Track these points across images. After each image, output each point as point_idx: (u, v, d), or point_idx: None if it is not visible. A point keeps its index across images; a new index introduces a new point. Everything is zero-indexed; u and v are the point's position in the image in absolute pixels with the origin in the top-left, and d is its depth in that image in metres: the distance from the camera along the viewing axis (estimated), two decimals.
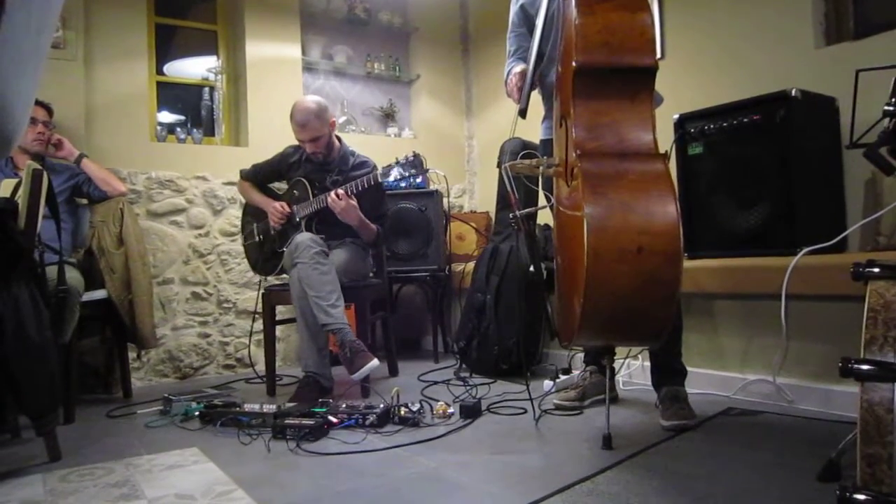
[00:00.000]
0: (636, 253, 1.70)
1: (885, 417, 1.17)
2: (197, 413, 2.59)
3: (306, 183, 3.20)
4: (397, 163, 2.87)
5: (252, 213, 3.50)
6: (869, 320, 1.26)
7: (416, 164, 2.84)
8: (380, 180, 2.92)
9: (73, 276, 2.73)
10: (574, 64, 1.85)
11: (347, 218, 3.00)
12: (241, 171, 3.47)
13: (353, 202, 2.97)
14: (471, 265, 3.82)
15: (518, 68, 2.51)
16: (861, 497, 1.16)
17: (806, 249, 2.32)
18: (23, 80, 0.78)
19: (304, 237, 2.87)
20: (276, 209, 3.23)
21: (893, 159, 1.55)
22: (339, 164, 3.23)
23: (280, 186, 3.46)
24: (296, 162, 3.31)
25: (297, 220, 3.19)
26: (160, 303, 3.62)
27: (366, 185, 2.95)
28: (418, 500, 1.69)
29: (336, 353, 2.86)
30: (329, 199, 2.96)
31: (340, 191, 2.95)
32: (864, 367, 1.21)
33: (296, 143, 3.28)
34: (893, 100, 1.46)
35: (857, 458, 1.20)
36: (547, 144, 2.55)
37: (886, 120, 1.49)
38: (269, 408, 2.46)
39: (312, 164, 3.24)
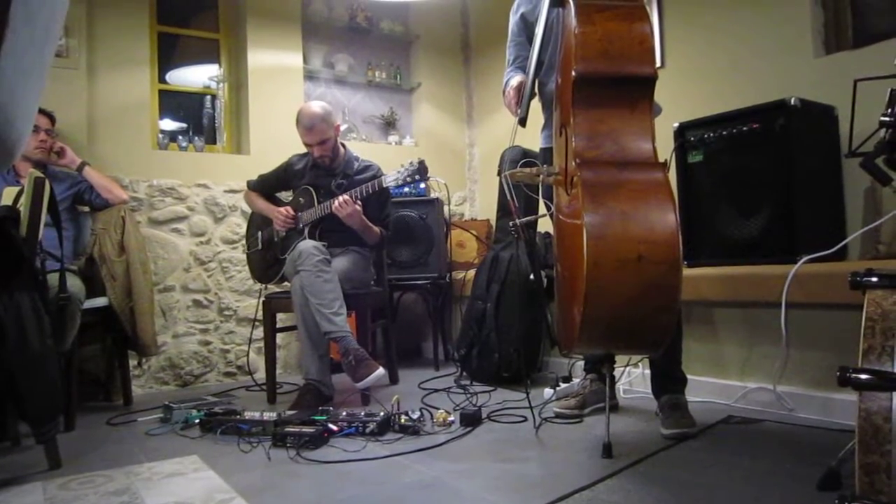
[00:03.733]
0: (636, 261, 1.70)
1: (883, 427, 1.17)
2: (197, 421, 2.59)
3: (312, 190, 3.22)
4: (402, 168, 2.90)
5: (257, 223, 3.53)
6: (867, 329, 1.26)
7: (420, 170, 2.86)
8: (385, 185, 2.94)
9: (75, 283, 2.73)
10: (574, 73, 1.86)
11: (351, 222, 3.02)
12: (248, 182, 3.50)
13: (358, 207, 2.99)
14: (471, 273, 3.83)
15: (515, 81, 2.52)
16: None
17: (806, 258, 2.32)
18: (27, 91, 0.79)
19: (307, 245, 2.88)
20: (280, 213, 3.26)
21: (890, 169, 1.56)
22: (343, 168, 3.26)
23: (286, 197, 3.48)
24: (301, 169, 3.33)
25: (301, 226, 3.21)
26: (161, 310, 3.63)
27: (370, 191, 2.97)
28: None
29: (337, 361, 2.86)
30: (335, 205, 2.97)
31: (346, 196, 2.97)
32: (862, 376, 1.21)
33: (300, 152, 3.32)
34: (889, 110, 1.47)
35: (855, 467, 1.20)
36: (546, 153, 2.56)
37: (883, 130, 1.50)
38: (270, 416, 2.46)
39: (318, 169, 3.27)
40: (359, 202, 2.99)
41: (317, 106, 3.17)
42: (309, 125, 3.11)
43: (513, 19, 2.68)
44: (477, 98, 4.94)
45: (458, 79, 4.94)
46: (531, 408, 2.46)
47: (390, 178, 2.92)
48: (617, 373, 2.79)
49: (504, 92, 2.58)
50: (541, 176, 2.14)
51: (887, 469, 1.15)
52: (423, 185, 4.11)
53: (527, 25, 2.60)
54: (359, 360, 2.73)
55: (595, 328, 1.77)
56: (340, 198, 2.97)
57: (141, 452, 2.30)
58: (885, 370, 1.21)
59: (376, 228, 3.17)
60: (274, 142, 3.85)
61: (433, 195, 4.16)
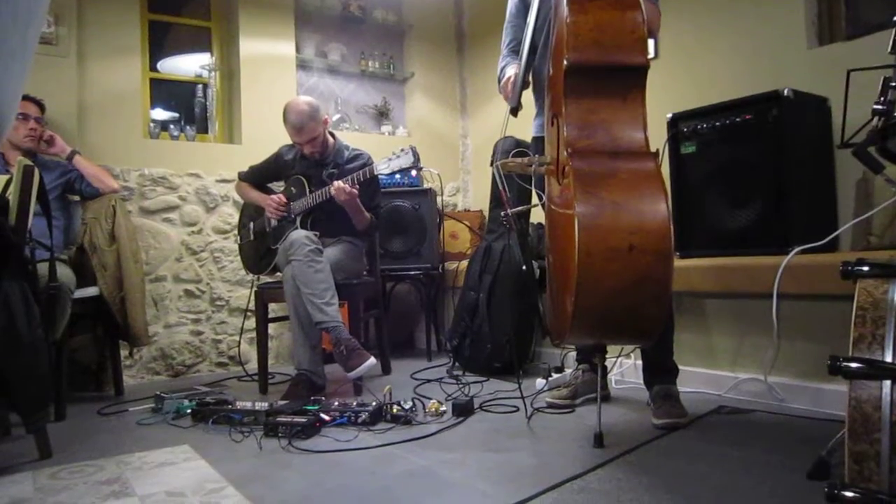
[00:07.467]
0: (627, 252, 1.70)
1: (872, 415, 1.18)
2: (189, 411, 2.59)
3: (303, 180, 3.21)
4: (393, 155, 2.89)
5: (249, 214, 3.52)
6: (857, 318, 1.27)
7: (411, 156, 2.85)
8: (375, 173, 2.93)
9: (65, 272, 2.72)
10: (565, 62, 1.85)
11: (347, 204, 3.01)
12: (239, 174, 3.49)
13: (355, 190, 2.99)
14: (464, 263, 3.83)
15: (510, 71, 2.50)
16: (849, 494, 1.16)
17: (797, 249, 2.32)
18: (10, 74, 0.78)
19: (298, 234, 2.87)
20: (273, 200, 3.26)
21: (882, 158, 1.56)
22: (334, 158, 3.25)
23: (277, 187, 3.47)
24: (291, 160, 3.32)
25: (293, 216, 3.20)
26: (153, 300, 3.62)
27: (362, 179, 2.96)
28: (410, 498, 1.69)
29: (329, 351, 2.86)
30: (333, 188, 2.96)
31: (342, 184, 2.95)
32: (853, 365, 1.21)
33: (289, 141, 3.29)
34: (882, 98, 1.47)
35: (845, 456, 1.21)
36: (539, 142, 2.54)
37: (875, 119, 1.50)
38: (261, 405, 2.46)
39: (308, 161, 3.25)
40: (356, 186, 2.98)
41: (303, 103, 3.11)
42: (298, 125, 3.08)
43: (511, 0, 2.66)
44: (470, 88, 4.93)
45: (452, 69, 4.93)
46: (523, 398, 2.47)
47: (381, 166, 2.92)
48: (609, 363, 2.80)
49: (499, 79, 2.57)
50: (532, 166, 2.13)
51: (876, 457, 1.16)
52: (414, 174, 4.10)
53: (525, 7, 2.57)
54: (350, 350, 2.73)
55: (586, 318, 1.77)
56: (338, 183, 2.95)
57: (132, 442, 2.29)
58: (876, 359, 1.21)
59: (367, 213, 3.16)
60: (266, 131, 3.83)
61: (426, 185, 4.15)
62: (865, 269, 1.32)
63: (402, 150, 2.88)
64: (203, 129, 4.05)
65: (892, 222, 2.27)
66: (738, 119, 2.56)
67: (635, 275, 1.71)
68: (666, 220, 1.72)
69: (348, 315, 3.12)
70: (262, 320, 3.23)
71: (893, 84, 1.47)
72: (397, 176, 4.01)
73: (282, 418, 2.28)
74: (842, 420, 1.25)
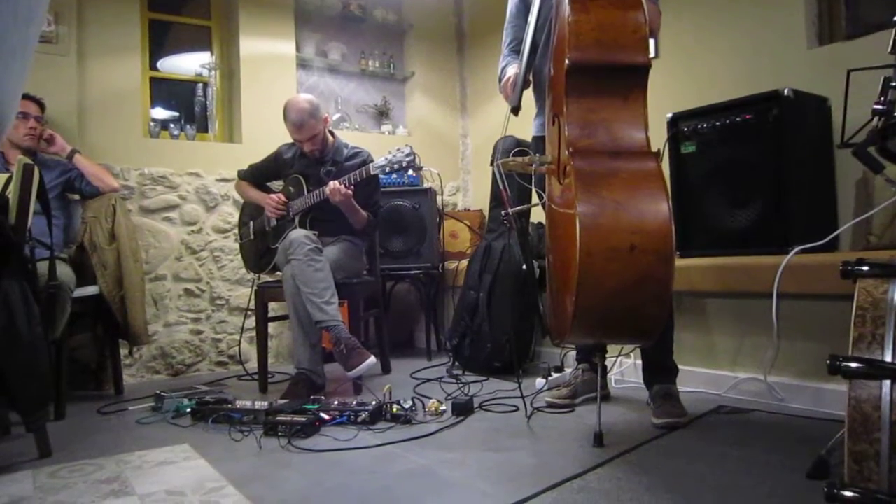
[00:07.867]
0: (628, 251, 1.70)
1: (872, 415, 1.18)
2: (188, 410, 2.59)
3: (301, 179, 3.22)
4: (390, 153, 2.90)
5: (249, 213, 3.52)
6: (857, 318, 1.27)
7: (409, 155, 2.86)
8: (373, 173, 2.94)
9: (65, 271, 2.72)
10: (567, 61, 1.85)
11: (342, 204, 3.02)
12: (239, 172, 3.49)
13: (349, 191, 3.00)
14: (464, 263, 3.83)
15: (512, 70, 2.50)
16: (848, 494, 1.16)
17: (797, 248, 2.32)
18: (10, 73, 0.77)
19: (298, 234, 2.87)
20: (272, 199, 3.27)
21: (882, 158, 1.56)
22: (333, 156, 3.26)
23: (277, 186, 3.47)
24: (290, 158, 3.33)
25: (292, 215, 3.20)
26: (152, 299, 3.61)
27: (359, 179, 2.97)
28: (409, 497, 1.69)
29: (329, 351, 2.86)
30: (328, 189, 2.97)
31: (336, 184, 2.96)
32: (852, 364, 1.21)
33: (290, 140, 3.30)
34: (882, 98, 1.47)
35: (844, 456, 1.21)
36: (539, 142, 2.55)
37: (875, 119, 1.50)
38: (261, 404, 2.46)
39: (307, 159, 3.26)
40: (351, 187, 2.99)
41: (304, 101, 3.13)
42: (299, 122, 3.09)
43: (511, 0, 2.66)
44: (470, 88, 4.93)
45: (452, 68, 4.93)
46: (523, 397, 2.47)
47: (378, 164, 2.93)
48: (608, 363, 2.80)
49: (500, 79, 2.57)
50: (533, 165, 2.13)
51: (876, 457, 1.16)
52: (412, 173, 4.09)
53: (526, 7, 2.57)
54: (350, 349, 2.73)
55: (587, 318, 1.77)
56: (332, 183, 2.97)
57: (131, 441, 2.29)
58: (876, 359, 1.21)
59: (363, 213, 3.16)
60: (266, 130, 3.83)
61: (426, 185, 4.16)
62: (865, 268, 1.32)
63: (399, 149, 2.89)
64: (203, 128, 4.05)
65: (892, 222, 2.27)
66: (738, 119, 2.56)
67: (636, 275, 1.71)
68: (667, 220, 1.72)
69: (348, 314, 3.12)
70: (262, 319, 3.23)
71: (893, 84, 1.47)
72: (394, 176, 4.00)
73: (281, 417, 2.28)
74: (841, 420, 1.25)
